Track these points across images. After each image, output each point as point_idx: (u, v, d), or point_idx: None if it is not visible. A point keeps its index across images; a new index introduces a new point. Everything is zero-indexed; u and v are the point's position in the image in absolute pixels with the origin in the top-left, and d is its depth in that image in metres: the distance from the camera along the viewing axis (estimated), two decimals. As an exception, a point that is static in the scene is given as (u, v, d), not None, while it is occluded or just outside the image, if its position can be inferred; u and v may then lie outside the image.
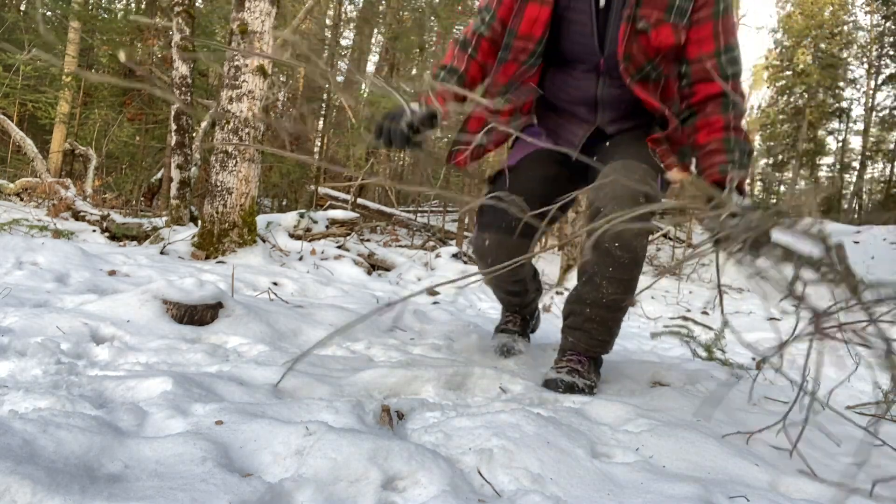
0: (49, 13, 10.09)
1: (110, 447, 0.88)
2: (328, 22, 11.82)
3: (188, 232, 3.81)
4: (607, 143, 1.70)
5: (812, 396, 1.12)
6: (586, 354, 1.59)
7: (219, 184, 3.32)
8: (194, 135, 5.90)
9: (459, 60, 1.68)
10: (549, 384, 1.52)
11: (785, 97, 19.54)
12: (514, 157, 1.76)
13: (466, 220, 8.33)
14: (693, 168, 1.57)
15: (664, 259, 8.86)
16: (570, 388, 1.51)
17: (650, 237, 1.48)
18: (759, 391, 1.74)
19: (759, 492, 0.98)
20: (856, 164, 18.99)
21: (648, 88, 1.57)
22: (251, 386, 1.28)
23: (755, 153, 1.65)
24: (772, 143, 20.27)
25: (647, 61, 1.55)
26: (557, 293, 5.56)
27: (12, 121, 7.96)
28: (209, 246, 3.35)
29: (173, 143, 4.81)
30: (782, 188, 21.56)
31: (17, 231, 3.86)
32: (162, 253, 3.42)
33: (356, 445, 0.97)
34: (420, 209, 11.29)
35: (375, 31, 12.25)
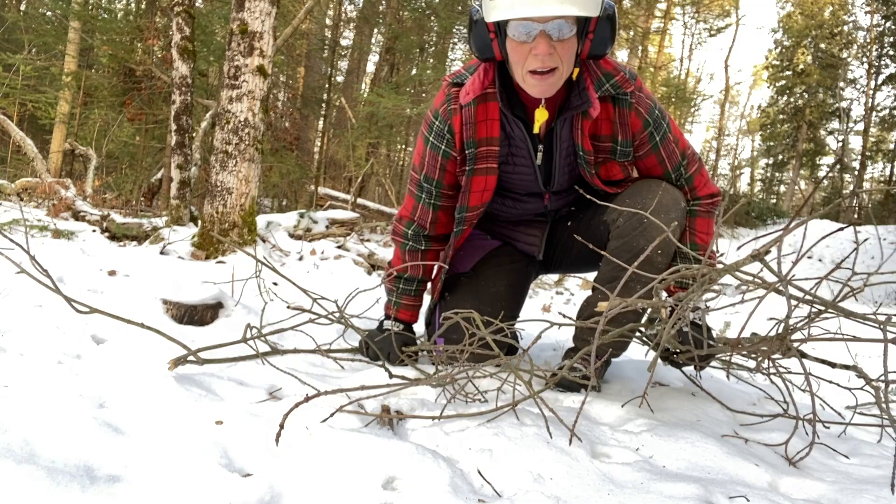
0: (49, 13, 10.09)
1: (110, 447, 0.88)
2: (328, 22, 11.82)
3: (188, 232, 3.81)
4: (569, 223, 1.73)
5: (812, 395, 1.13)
6: (605, 358, 1.59)
7: (219, 184, 3.32)
8: (194, 135, 5.90)
9: (414, 269, 1.69)
10: (565, 382, 1.51)
11: (785, 97, 19.53)
12: (466, 262, 1.75)
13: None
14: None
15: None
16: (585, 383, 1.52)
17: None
18: (758, 391, 1.73)
19: (759, 492, 0.98)
20: (856, 164, 18.98)
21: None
22: (251, 386, 1.28)
23: (709, 247, 1.70)
24: (772, 143, 20.27)
25: (598, 184, 1.60)
26: (557, 293, 5.56)
27: (12, 121, 7.96)
28: (209, 246, 3.34)
29: (173, 143, 4.81)
30: (782, 188, 21.56)
31: (17, 231, 3.86)
32: (162, 253, 3.42)
33: (356, 445, 0.97)
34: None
35: (375, 31, 12.25)
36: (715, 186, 1.61)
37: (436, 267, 1.72)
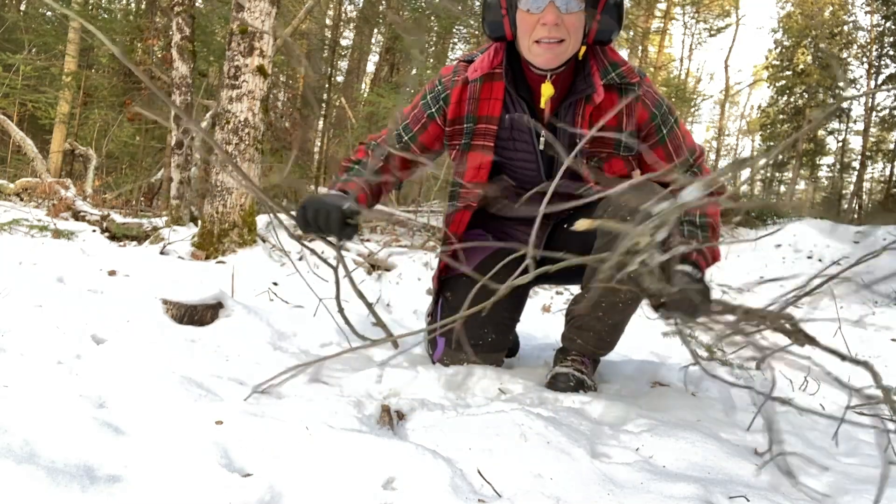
0: (49, 13, 10.08)
1: (110, 447, 0.88)
2: (328, 22, 11.81)
3: (188, 232, 3.81)
4: (565, 225, 1.73)
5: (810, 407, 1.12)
6: (591, 356, 1.59)
7: (219, 184, 3.32)
8: (194, 135, 5.89)
9: (371, 159, 1.65)
10: (559, 379, 1.51)
11: (785, 97, 19.52)
12: (467, 263, 1.74)
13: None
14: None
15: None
16: (580, 384, 1.52)
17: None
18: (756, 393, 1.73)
19: (759, 492, 0.98)
20: (856, 164, 18.97)
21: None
22: (251, 386, 1.28)
23: (714, 224, 1.69)
24: (772, 143, 20.26)
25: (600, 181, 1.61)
26: (557, 293, 5.55)
27: (12, 121, 7.95)
28: (209, 246, 3.34)
29: (173, 143, 4.81)
30: (782, 188, 21.56)
31: (17, 231, 3.86)
32: (162, 253, 3.42)
33: (356, 445, 0.97)
34: (420, 209, 11.26)
35: (375, 31, 12.25)
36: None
37: (437, 265, 1.73)
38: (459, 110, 1.56)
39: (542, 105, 1.49)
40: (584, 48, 1.45)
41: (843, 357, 1.31)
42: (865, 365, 1.15)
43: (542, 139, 1.55)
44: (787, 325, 1.21)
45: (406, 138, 1.65)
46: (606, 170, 1.58)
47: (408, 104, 1.69)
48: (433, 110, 1.60)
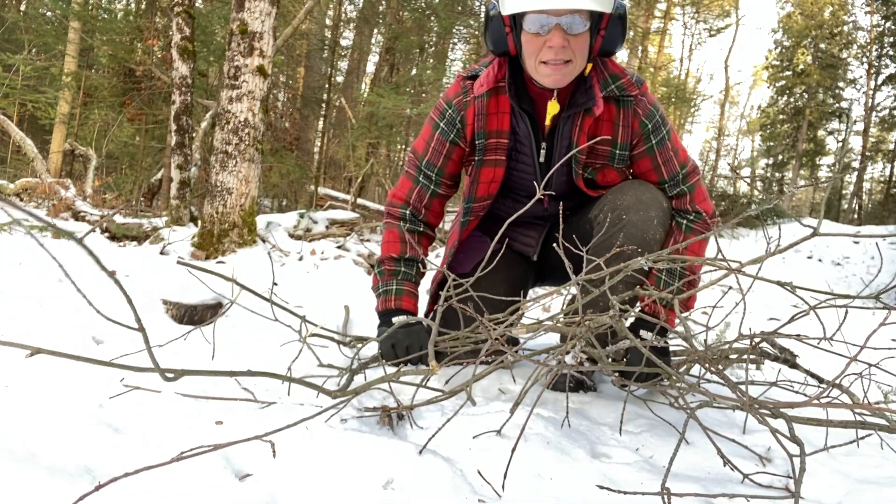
0: (49, 13, 10.08)
1: (110, 447, 0.88)
2: (328, 22, 11.81)
3: (188, 232, 3.81)
4: (562, 227, 1.75)
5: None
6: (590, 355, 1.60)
7: (219, 184, 3.32)
8: (194, 135, 5.90)
9: (410, 248, 1.65)
10: (559, 379, 1.51)
11: (785, 97, 19.53)
12: (465, 263, 1.72)
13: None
14: None
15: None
16: (580, 385, 1.52)
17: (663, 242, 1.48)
18: (757, 390, 1.73)
19: (758, 491, 0.98)
20: (855, 164, 18.97)
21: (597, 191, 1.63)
22: (250, 387, 1.28)
23: (691, 272, 1.64)
24: (772, 144, 20.27)
25: (594, 189, 1.61)
26: (558, 293, 5.54)
27: (12, 121, 7.95)
28: (209, 246, 3.34)
29: (173, 143, 4.81)
30: (784, 188, 21.54)
31: (17, 231, 3.86)
32: (162, 253, 3.42)
33: (356, 445, 0.97)
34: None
35: (375, 31, 12.24)
36: (712, 205, 1.61)
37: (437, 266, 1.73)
38: (474, 129, 1.55)
39: (548, 122, 1.49)
40: (589, 66, 1.44)
41: (820, 380, 1.33)
42: (839, 387, 1.16)
43: (542, 151, 1.56)
44: (774, 349, 1.22)
45: (435, 177, 1.62)
46: (600, 179, 1.59)
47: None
48: (452, 136, 1.57)
